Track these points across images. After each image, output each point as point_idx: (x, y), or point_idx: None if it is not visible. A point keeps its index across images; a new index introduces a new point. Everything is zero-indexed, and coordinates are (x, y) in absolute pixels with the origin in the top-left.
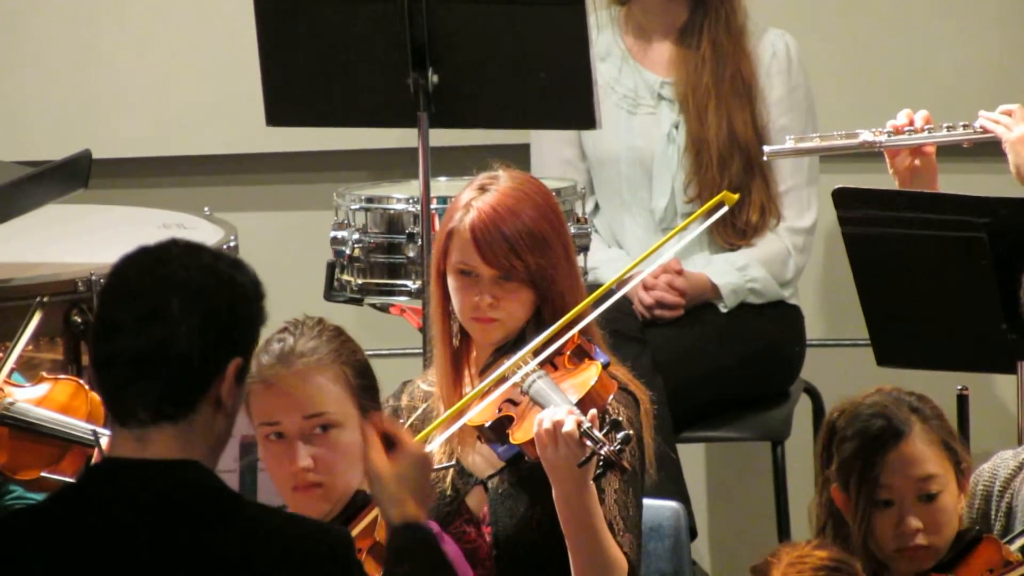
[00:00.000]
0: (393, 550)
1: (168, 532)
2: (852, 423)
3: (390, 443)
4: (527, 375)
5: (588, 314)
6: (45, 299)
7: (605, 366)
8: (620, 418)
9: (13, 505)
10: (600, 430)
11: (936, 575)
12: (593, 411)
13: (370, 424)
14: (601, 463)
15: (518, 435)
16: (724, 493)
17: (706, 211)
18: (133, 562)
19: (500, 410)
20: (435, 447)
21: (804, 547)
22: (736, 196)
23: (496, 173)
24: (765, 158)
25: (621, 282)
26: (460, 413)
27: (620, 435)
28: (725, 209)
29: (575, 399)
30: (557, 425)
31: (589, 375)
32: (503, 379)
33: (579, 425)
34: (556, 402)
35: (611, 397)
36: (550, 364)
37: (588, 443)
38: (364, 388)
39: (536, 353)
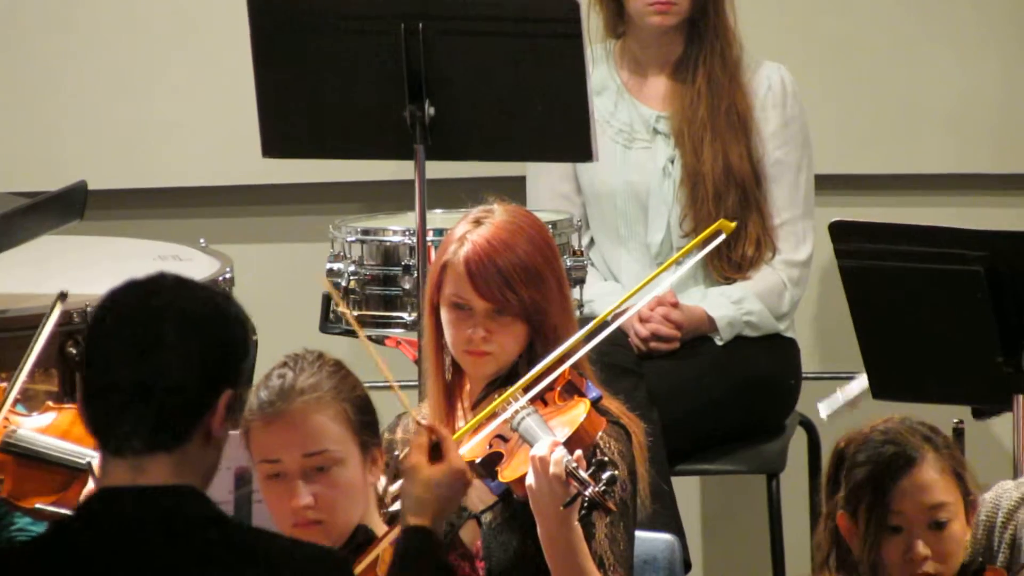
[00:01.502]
0: (401, 551)
1: (171, 557)
2: (863, 449)
3: (437, 451)
4: (516, 412)
5: (580, 349)
6: (66, 294)
7: (596, 402)
8: (606, 458)
9: (16, 537)
10: (587, 470)
11: None
12: (579, 452)
13: (423, 430)
14: (586, 504)
15: (506, 473)
16: (719, 526)
17: (703, 239)
18: None
19: (491, 446)
20: None
21: None
22: (733, 224)
23: (491, 207)
24: (824, 417)
25: (615, 314)
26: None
27: (605, 475)
28: (723, 237)
29: (563, 437)
30: (543, 464)
31: (578, 413)
32: (494, 415)
33: (565, 465)
34: (543, 439)
35: (599, 434)
36: (540, 400)
37: (574, 483)
38: (364, 424)
39: (527, 389)
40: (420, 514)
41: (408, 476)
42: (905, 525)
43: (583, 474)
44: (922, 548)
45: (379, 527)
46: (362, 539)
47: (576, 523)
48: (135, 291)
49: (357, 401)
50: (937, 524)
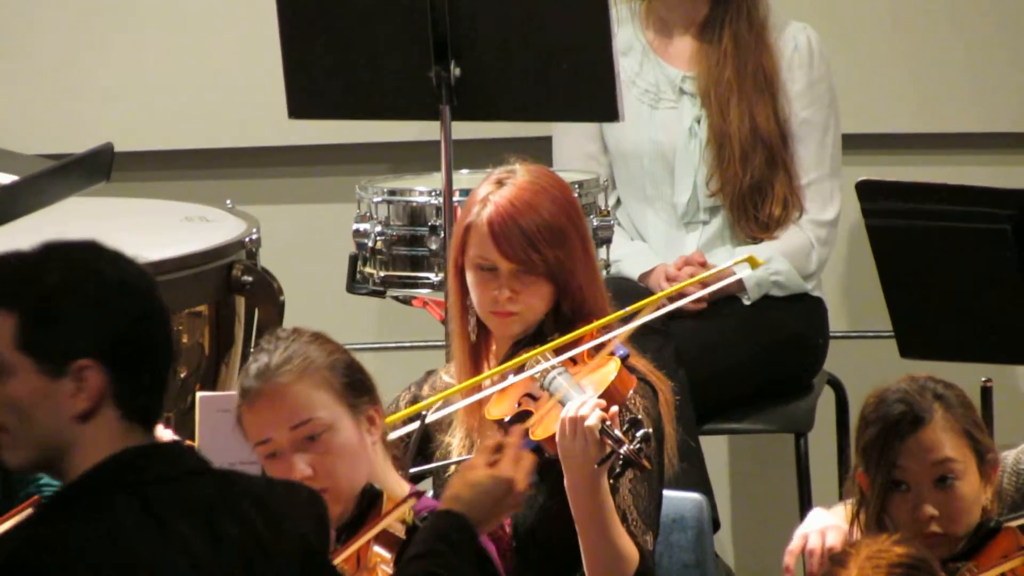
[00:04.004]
0: (431, 530)
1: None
2: (877, 408)
3: (496, 455)
4: (547, 370)
5: (614, 321)
6: None
7: (624, 359)
8: (639, 415)
9: (43, 491)
10: (620, 428)
11: (952, 564)
12: (614, 409)
13: (494, 442)
14: (621, 463)
15: (538, 431)
16: (747, 485)
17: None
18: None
19: (519, 404)
20: (456, 441)
21: (884, 541)
22: (762, 262)
23: (513, 167)
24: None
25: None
26: (476, 388)
27: (640, 433)
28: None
29: (594, 396)
30: (579, 419)
31: (608, 371)
32: (522, 367)
33: (600, 421)
34: (576, 398)
35: (630, 392)
36: (570, 360)
37: (608, 442)
38: (349, 385)
39: (557, 351)
40: (457, 505)
41: (460, 471)
42: (911, 482)
43: (617, 432)
44: (928, 508)
45: (395, 484)
46: (371, 497)
47: (605, 481)
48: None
49: (337, 365)
50: (943, 480)
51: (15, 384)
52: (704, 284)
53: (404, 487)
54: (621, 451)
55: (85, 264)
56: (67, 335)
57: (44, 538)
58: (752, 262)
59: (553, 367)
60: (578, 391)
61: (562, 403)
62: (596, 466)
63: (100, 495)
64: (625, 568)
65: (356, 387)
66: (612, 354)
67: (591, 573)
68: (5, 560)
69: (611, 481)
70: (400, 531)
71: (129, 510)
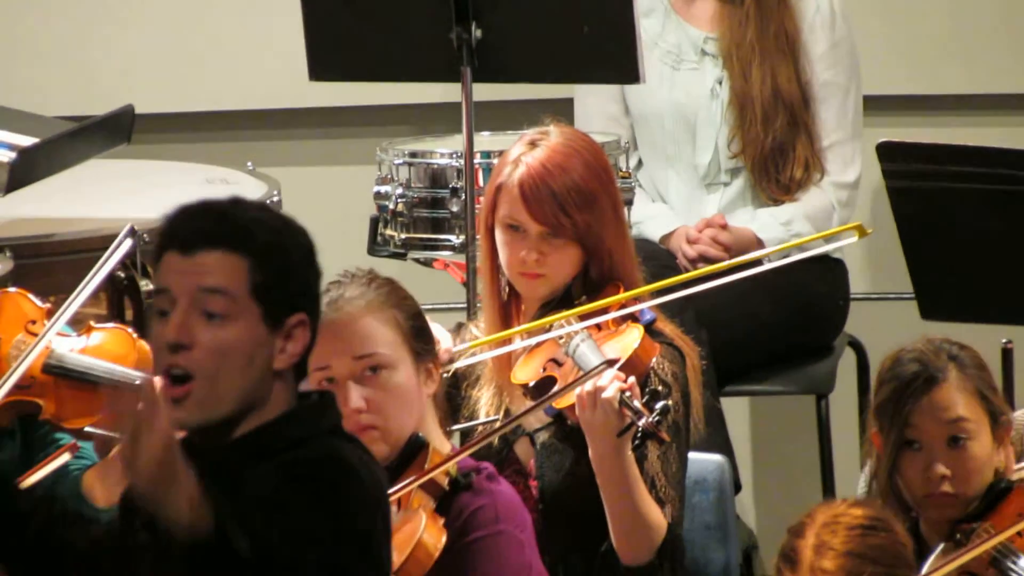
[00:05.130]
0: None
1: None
2: (892, 368)
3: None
4: (571, 336)
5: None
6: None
7: (650, 324)
8: (659, 387)
9: (71, 466)
10: (640, 399)
11: (966, 525)
12: (632, 380)
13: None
14: (639, 434)
15: (561, 399)
16: (768, 447)
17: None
18: None
19: (544, 369)
20: (485, 398)
21: (840, 505)
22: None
23: (547, 128)
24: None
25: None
26: (505, 342)
27: (659, 405)
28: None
29: (616, 364)
30: (598, 390)
31: (631, 339)
32: (549, 329)
33: (620, 392)
34: (597, 365)
35: (653, 361)
36: (594, 325)
37: (628, 413)
38: (416, 331)
39: (583, 316)
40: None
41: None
42: (923, 441)
43: (637, 404)
44: (940, 468)
45: (440, 441)
46: (417, 446)
47: (629, 450)
48: None
49: (408, 309)
50: (955, 440)
51: (236, 328)
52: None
53: (447, 445)
54: (640, 423)
55: (292, 223)
56: (294, 288)
57: (333, 450)
58: (860, 231)
59: (575, 333)
60: (600, 359)
61: (584, 371)
62: (616, 437)
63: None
64: (652, 536)
65: (421, 335)
66: (636, 320)
67: (618, 541)
68: (311, 470)
69: (633, 452)
70: (443, 482)
71: (344, 442)
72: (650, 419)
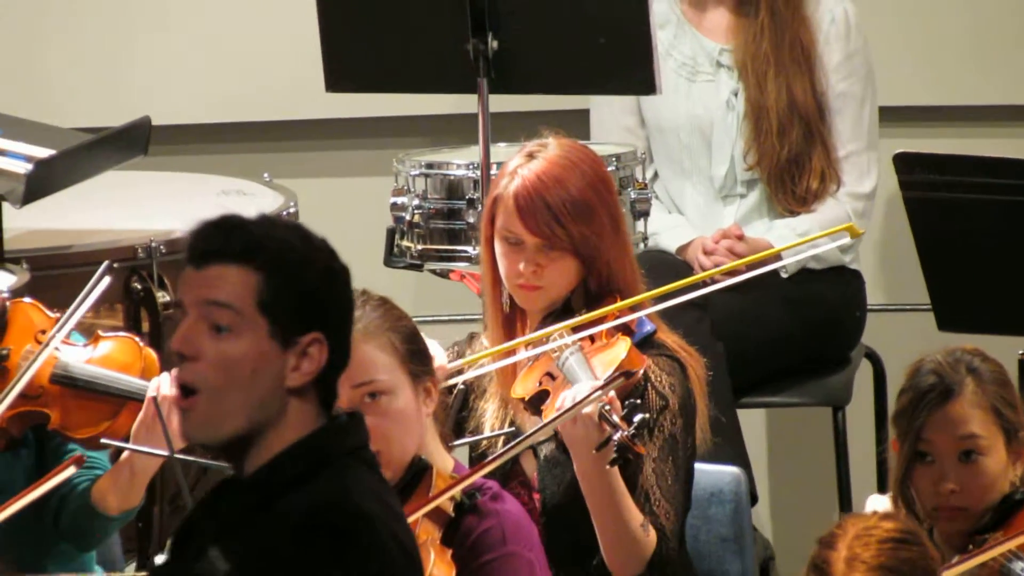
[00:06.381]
0: None
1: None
2: (911, 378)
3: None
4: (562, 350)
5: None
6: (115, 265)
7: (649, 336)
8: (639, 401)
9: (82, 478)
10: (619, 413)
11: (979, 536)
12: (612, 394)
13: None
14: (616, 449)
15: (550, 412)
16: (785, 459)
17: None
18: None
19: (540, 383)
20: (491, 410)
21: (871, 518)
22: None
23: (546, 140)
24: None
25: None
26: (506, 354)
27: (636, 419)
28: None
29: (603, 377)
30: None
31: (618, 352)
32: (546, 342)
33: (599, 408)
34: (583, 380)
35: (640, 372)
36: (589, 337)
37: (606, 426)
38: (412, 353)
39: (577, 328)
40: None
41: None
42: (935, 454)
43: (615, 418)
44: (949, 483)
45: (443, 458)
46: (419, 469)
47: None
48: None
49: (403, 331)
50: (967, 455)
51: (242, 343)
52: (741, 259)
53: (450, 462)
54: (615, 437)
55: (318, 243)
56: (308, 306)
57: (336, 494)
58: (852, 231)
59: (567, 346)
60: (586, 373)
61: (572, 384)
62: (594, 451)
63: (332, 460)
64: (641, 551)
65: (418, 356)
66: (626, 333)
67: (607, 554)
68: (310, 522)
69: (612, 465)
70: (448, 508)
71: (363, 469)
72: (626, 432)
